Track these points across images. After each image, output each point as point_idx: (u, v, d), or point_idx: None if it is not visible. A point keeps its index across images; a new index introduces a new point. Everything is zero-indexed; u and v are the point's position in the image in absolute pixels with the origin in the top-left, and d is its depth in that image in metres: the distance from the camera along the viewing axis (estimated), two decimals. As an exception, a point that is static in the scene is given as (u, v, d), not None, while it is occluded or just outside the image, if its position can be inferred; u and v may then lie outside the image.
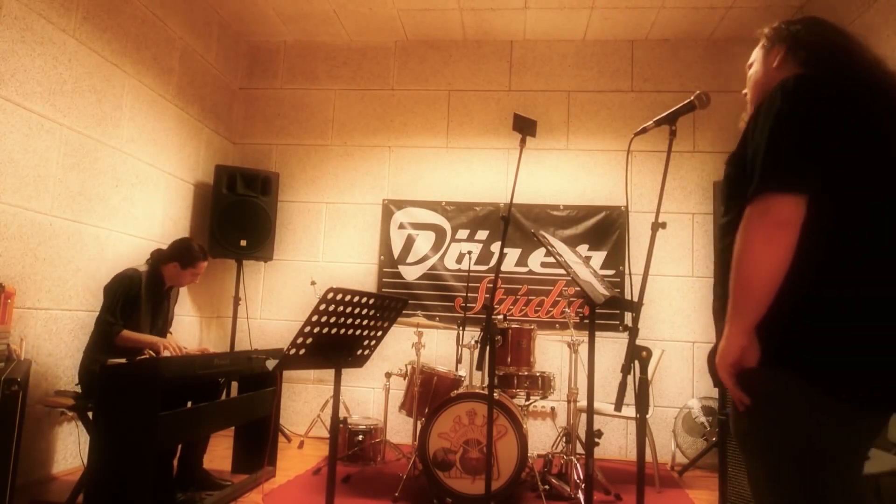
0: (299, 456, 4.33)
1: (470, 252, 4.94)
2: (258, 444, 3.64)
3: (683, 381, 4.77)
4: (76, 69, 3.54)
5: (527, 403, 3.77)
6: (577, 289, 3.04)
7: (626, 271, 4.84)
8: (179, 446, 3.15)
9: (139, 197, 4.16)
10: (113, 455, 2.53)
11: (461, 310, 4.90)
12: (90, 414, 2.82)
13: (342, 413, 4.72)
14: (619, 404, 1.82)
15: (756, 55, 1.56)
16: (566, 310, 3.96)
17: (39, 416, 3.32)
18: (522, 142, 2.70)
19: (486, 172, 5.17)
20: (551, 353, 4.79)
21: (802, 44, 1.43)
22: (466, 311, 4.78)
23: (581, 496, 3.29)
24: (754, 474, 1.33)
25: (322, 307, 2.01)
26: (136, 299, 3.20)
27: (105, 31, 3.77)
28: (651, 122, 2.06)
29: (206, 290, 4.99)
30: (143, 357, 2.97)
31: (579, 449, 3.79)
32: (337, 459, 2.85)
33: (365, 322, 2.26)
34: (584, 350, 3.01)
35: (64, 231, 3.48)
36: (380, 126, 5.33)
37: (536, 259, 5.00)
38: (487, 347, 2.65)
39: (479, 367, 2.67)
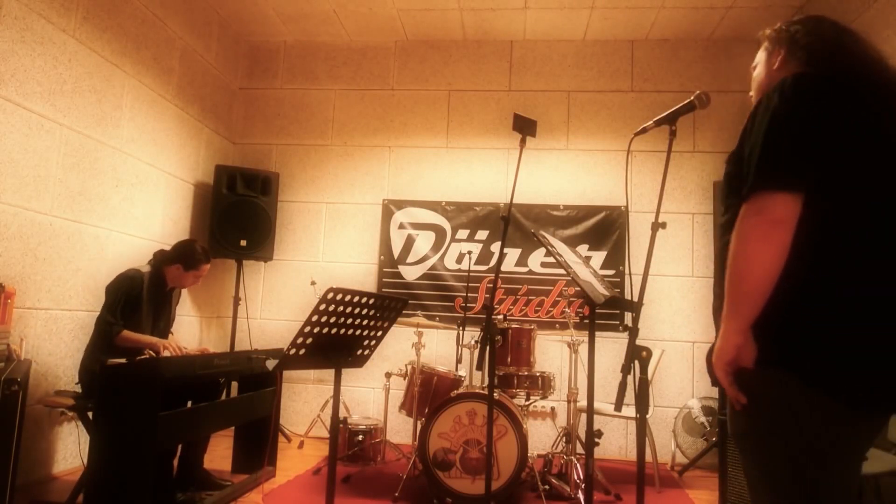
0: (299, 456, 4.33)
1: (470, 252, 4.94)
2: (258, 444, 3.65)
3: (683, 381, 4.77)
4: (76, 69, 3.54)
5: (527, 403, 3.77)
6: (577, 289, 3.04)
7: (626, 271, 4.84)
8: (179, 446, 3.15)
9: (139, 197, 4.16)
10: (113, 455, 2.53)
11: (461, 310, 4.90)
12: (90, 414, 2.82)
13: (342, 413, 4.72)
14: (619, 404, 1.82)
15: (759, 57, 1.56)
16: (566, 310, 3.96)
17: (39, 416, 3.32)
18: (522, 142, 2.70)
19: (486, 172, 5.17)
20: (551, 353, 4.79)
21: (801, 44, 1.43)
22: (466, 311, 4.78)
23: (581, 496, 3.29)
24: (751, 474, 1.33)
25: (322, 307, 2.01)
26: (137, 300, 3.20)
27: (105, 31, 3.77)
28: (651, 122, 2.06)
29: (206, 290, 4.99)
30: (143, 357, 2.97)
31: (579, 449, 3.79)
32: (337, 459, 2.85)
33: (365, 322, 2.26)
34: (584, 350, 3.01)
35: (64, 231, 3.48)
36: (380, 126, 5.34)
37: (536, 259, 5.00)
38: (487, 347, 2.65)
39: (479, 367, 2.67)
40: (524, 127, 2.66)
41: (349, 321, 2.17)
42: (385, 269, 5.15)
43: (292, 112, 5.43)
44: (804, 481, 1.23)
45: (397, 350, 4.84)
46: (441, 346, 4.97)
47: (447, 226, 5.13)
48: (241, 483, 3.37)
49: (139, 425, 2.54)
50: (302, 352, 2.08)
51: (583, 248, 4.94)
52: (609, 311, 4.70)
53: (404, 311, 2.52)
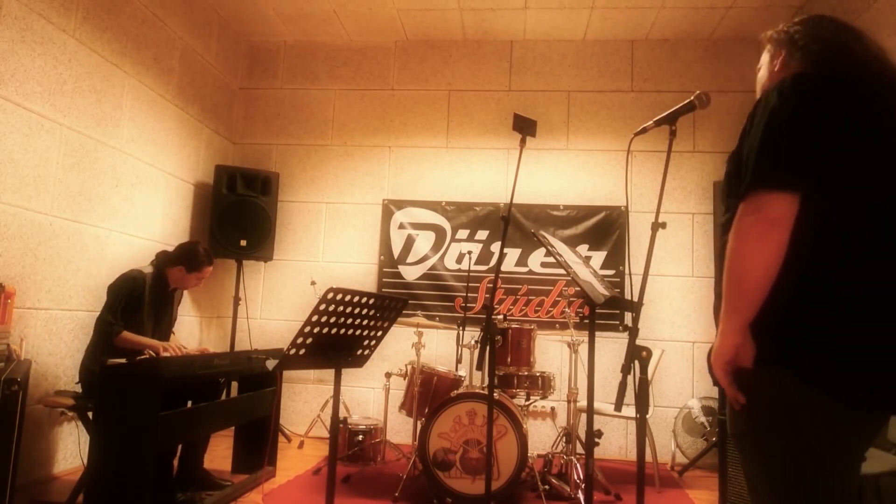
0: (299, 456, 4.33)
1: (470, 252, 4.94)
2: (258, 444, 3.65)
3: (683, 381, 4.77)
4: (76, 69, 3.54)
5: (527, 403, 3.78)
6: (577, 289, 3.04)
7: (626, 271, 4.85)
8: (179, 446, 3.15)
9: (139, 197, 4.16)
10: (113, 455, 2.53)
11: (461, 310, 4.90)
12: (90, 414, 2.82)
13: (342, 413, 4.72)
14: (619, 404, 1.82)
15: (762, 60, 1.56)
16: (566, 310, 3.96)
17: (39, 416, 3.32)
18: (522, 142, 2.70)
19: (486, 172, 5.17)
20: (551, 353, 4.79)
21: (800, 45, 1.43)
22: (466, 311, 4.78)
23: (581, 496, 3.29)
24: (750, 474, 1.33)
25: (322, 307, 2.01)
26: (139, 301, 3.20)
27: (105, 31, 3.77)
28: (651, 122, 2.06)
29: (206, 291, 4.99)
30: (143, 357, 2.97)
31: (579, 449, 3.79)
32: (337, 459, 2.85)
33: (365, 322, 2.26)
34: (584, 350, 3.01)
35: (64, 231, 3.48)
36: (380, 126, 5.34)
37: (536, 259, 5.00)
38: (487, 347, 2.65)
39: (479, 367, 2.67)
40: (524, 127, 2.66)
41: (349, 321, 2.17)
42: (385, 269, 5.15)
43: (292, 112, 5.43)
44: (804, 481, 1.22)
45: (397, 350, 4.84)
46: (441, 346, 4.97)
47: (447, 226, 5.13)
48: (241, 483, 3.37)
49: (139, 425, 2.54)
50: (302, 352, 2.08)
51: (583, 248, 4.94)
52: (609, 311, 4.70)
53: (404, 311, 2.52)
